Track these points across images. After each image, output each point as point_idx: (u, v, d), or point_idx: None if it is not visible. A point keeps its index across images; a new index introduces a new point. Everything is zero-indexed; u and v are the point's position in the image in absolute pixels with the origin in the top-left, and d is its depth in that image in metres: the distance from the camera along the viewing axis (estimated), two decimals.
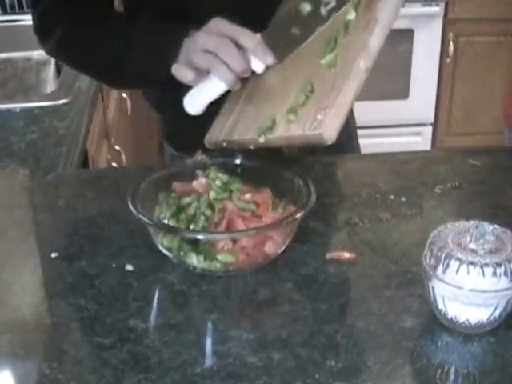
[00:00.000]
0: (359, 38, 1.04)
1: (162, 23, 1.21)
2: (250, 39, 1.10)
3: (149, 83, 1.32)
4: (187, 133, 1.32)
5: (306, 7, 1.16)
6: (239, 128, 1.17)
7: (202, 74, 1.13)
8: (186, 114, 1.18)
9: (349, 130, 1.50)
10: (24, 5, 2.78)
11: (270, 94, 1.17)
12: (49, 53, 1.35)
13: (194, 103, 1.16)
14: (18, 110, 1.77)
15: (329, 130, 0.99)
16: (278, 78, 1.17)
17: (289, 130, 1.06)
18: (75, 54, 1.31)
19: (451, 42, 3.63)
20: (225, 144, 1.17)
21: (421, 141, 3.86)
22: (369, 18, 1.03)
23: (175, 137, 1.49)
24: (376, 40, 1.02)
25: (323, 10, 1.14)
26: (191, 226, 1.01)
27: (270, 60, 1.10)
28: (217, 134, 1.22)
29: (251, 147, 1.13)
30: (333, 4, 1.12)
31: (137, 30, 1.21)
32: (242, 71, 1.10)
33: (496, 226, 0.90)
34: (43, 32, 1.30)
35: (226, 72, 1.10)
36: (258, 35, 1.11)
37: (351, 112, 1.54)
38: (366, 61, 1.01)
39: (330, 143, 1.00)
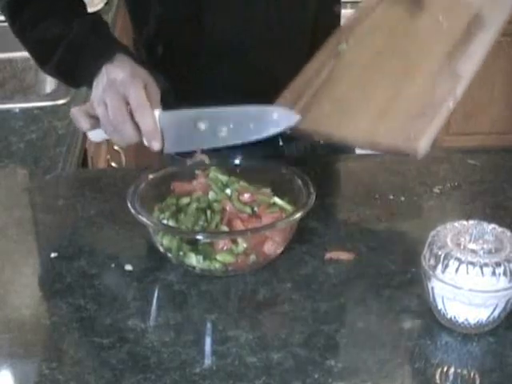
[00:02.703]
0: (449, 68, 1.08)
1: (101, 30, 1.21)
2: (145, 120, 1.07)
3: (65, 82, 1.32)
4: None
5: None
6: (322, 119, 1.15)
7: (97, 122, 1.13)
8: None
9: None
10: None
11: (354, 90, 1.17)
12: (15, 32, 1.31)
13: (97, 137, 1.17)
14: (17, 110, 1.77)
15: (422, 146, 1.00)
16: (362, 78, 1.18)
17: (376, 135, 1.06)
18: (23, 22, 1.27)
19: None
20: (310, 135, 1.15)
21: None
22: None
23: None
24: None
25: None
26: (190, 227, 1.01)
27: (156, 147, 1.09)
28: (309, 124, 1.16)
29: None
30: None
31: (76, 27, 1.19)
32: (130, 144, 1.12)
33: (495, 226, 0.90)
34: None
35: (116, 139, 1.12)
36: (157, 113, 1.09)
37: None
38: (455, 99, 1.04)
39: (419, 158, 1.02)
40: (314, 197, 1.03)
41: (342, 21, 1.42)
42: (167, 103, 1.12)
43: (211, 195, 1.04)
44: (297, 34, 1.33)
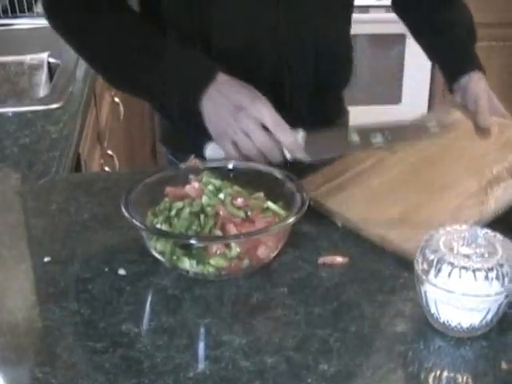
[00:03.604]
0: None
1: (190, 53, 1.20)
2: (286, 136, 1.11)
3: (152, 102, 1.31)
4: (185, 136, 1.32)
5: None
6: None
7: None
8: (189, 117, 1.19)
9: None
10: (17, 9, 2.78)
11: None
12: (55, 29, 1.28)
13: (216, 154, 1.17)
14: (10, 114, 1.77)
15: None
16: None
17: (390, 232, 1.07)
18: (85, 44, 1.25)
19: None
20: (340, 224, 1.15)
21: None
22: None
23: (174, 139, 1.48)
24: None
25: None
26: (184, 231, 1.01)
27: (300, 157, 1.12)
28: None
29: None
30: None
31: (164, 53, 1.19)
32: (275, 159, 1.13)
33: (488, 231, 0.90)
34: (53, 5, 1.26)
35: (260, 160, 1.13)
36: (300, 135, 1.13)
37: (347, 114, 1.56)
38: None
39: None
40: (307, 202, 1.03)
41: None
42: None
43: (204, 200, 1.04)
44: (303, 51, 1.34)
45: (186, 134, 1.33)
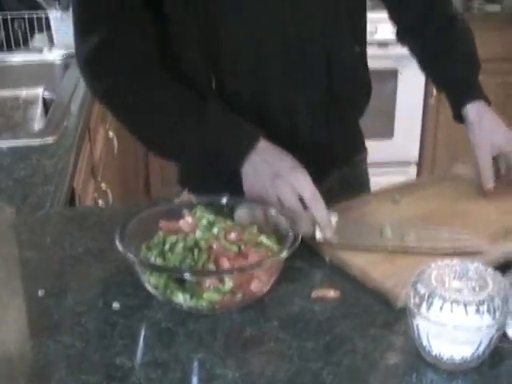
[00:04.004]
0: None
1: (232, 118, 1.20)
2: (321, 213, 1.11)
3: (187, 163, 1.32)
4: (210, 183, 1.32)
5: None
6: None
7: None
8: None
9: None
10: (12, 44, 2.80)
11: None
12: (95, 95, 1.28)
13: (247, 218, 1.15)
14: (5, 148, 1.78)
15: (403, 299, 1.00)
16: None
17: (373, 270, 1.08)
18: (130, 114, 1.24)
19: None
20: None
21: (406, 180, 3.88)
22: None
23: (195, 183, 1.41)
24: None
25: None
26: (178, 265, 1.01)
27: (329, 236, 1.12)
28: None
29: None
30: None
31: (206, 117, 1.19)
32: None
33: (478, 265, 0.91)
34: (95, 69, 1.22)
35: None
36: (334, 218, 1.14)
37: (365, 151, 1.56)
38: None
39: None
40: (300, 237, 1.04)
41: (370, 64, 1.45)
42: None
43: (198, 234, 1.05)
44: (314, 68, 1.33)
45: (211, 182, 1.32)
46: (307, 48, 1.30)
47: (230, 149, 1.17)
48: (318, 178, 1.15)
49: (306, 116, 1.34)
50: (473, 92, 1.41)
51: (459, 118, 1.42)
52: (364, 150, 1.55)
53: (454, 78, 1.44)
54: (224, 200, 1.14)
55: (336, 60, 1.34)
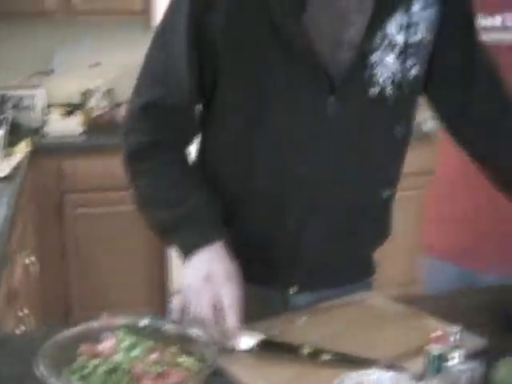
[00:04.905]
0: None
1: (206, 212, 1.26)
2: (232, 320, 1.15)
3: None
4: None
5: None
6: None
7: None
8: None
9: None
10: None
11: None
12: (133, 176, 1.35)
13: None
14: None
15: None
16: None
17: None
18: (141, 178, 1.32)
19: None
20: None
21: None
22: None
23: None
24: None
25: None
26: None
27: (233, 343, 1.15)
28: None
29: None
30: None
31: (186, 199, 1.26)
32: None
33: (393, 374, 0.93)
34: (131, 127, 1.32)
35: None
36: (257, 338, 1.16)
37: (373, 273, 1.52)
38: None
39: None
40: (217, 356, 1.06)
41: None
42: None
43: (118, 357, 1.05)
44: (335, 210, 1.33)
45: None
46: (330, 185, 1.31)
47: (190, 237, 1.24)
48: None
49: (313, 236, 1.33)
50: None
51: None
52: (373, 272, 1.51)
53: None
54: (145, 321, 1.15)
55: (358, 208, 1.35)
